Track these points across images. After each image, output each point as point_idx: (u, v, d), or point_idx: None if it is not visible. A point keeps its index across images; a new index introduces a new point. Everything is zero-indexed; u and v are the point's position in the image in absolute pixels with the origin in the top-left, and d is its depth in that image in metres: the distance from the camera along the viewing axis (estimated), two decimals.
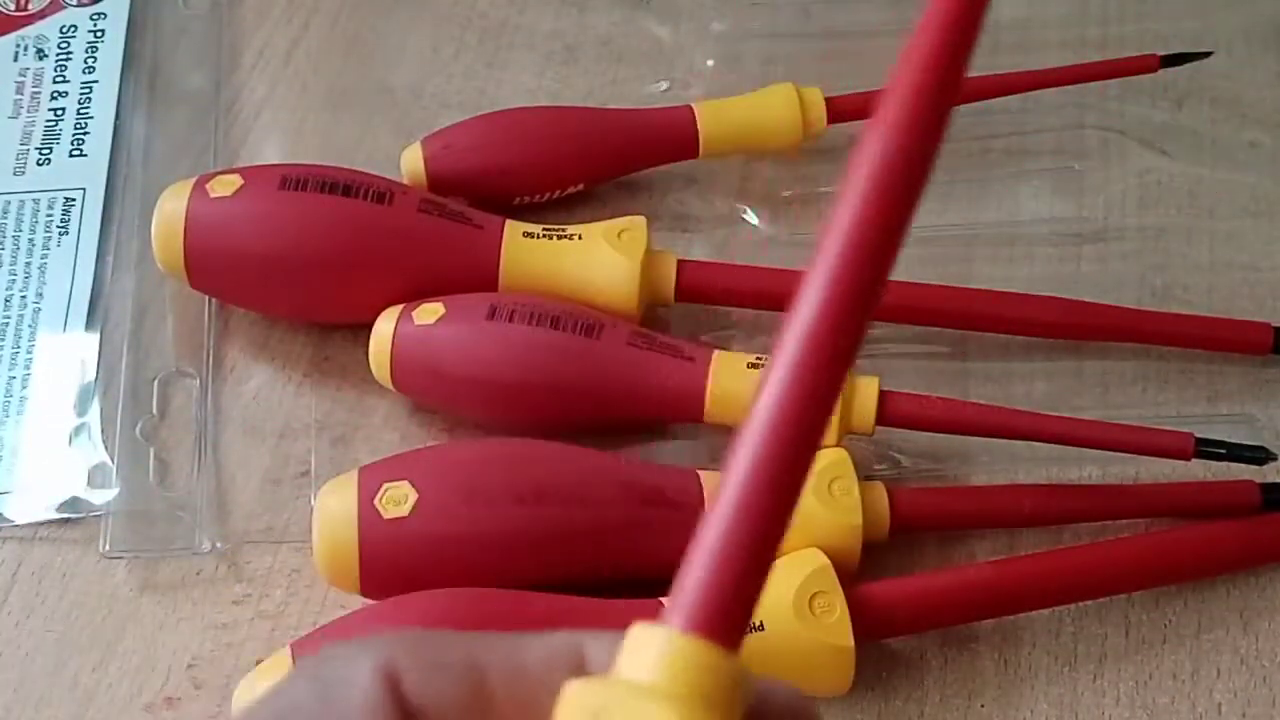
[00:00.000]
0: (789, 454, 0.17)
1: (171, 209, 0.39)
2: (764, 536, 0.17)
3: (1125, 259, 0.45)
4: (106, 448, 0.39)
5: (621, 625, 0.17)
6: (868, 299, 0.17)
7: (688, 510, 0.36)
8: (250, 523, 0.39)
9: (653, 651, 0.17)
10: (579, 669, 0.17)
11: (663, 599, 0.18)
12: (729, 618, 0.17)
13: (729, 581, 0.17)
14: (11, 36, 0.49)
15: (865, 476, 0.38)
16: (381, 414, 0.41)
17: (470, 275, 0.40)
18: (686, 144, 0.45)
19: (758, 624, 0.34)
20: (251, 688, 0.33)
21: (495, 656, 0.17)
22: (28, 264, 0.43)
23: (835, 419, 0.37)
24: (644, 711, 0.16)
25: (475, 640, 0.18)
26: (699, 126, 0.45)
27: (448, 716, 0.17)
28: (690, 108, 0.45)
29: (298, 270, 0.39)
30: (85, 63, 0.49)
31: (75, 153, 0.46)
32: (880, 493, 0.37)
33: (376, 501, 0.34)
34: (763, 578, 0.17)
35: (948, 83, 0.17)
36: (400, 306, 0.39)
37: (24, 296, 0.43)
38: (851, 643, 0.34)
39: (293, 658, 0.33)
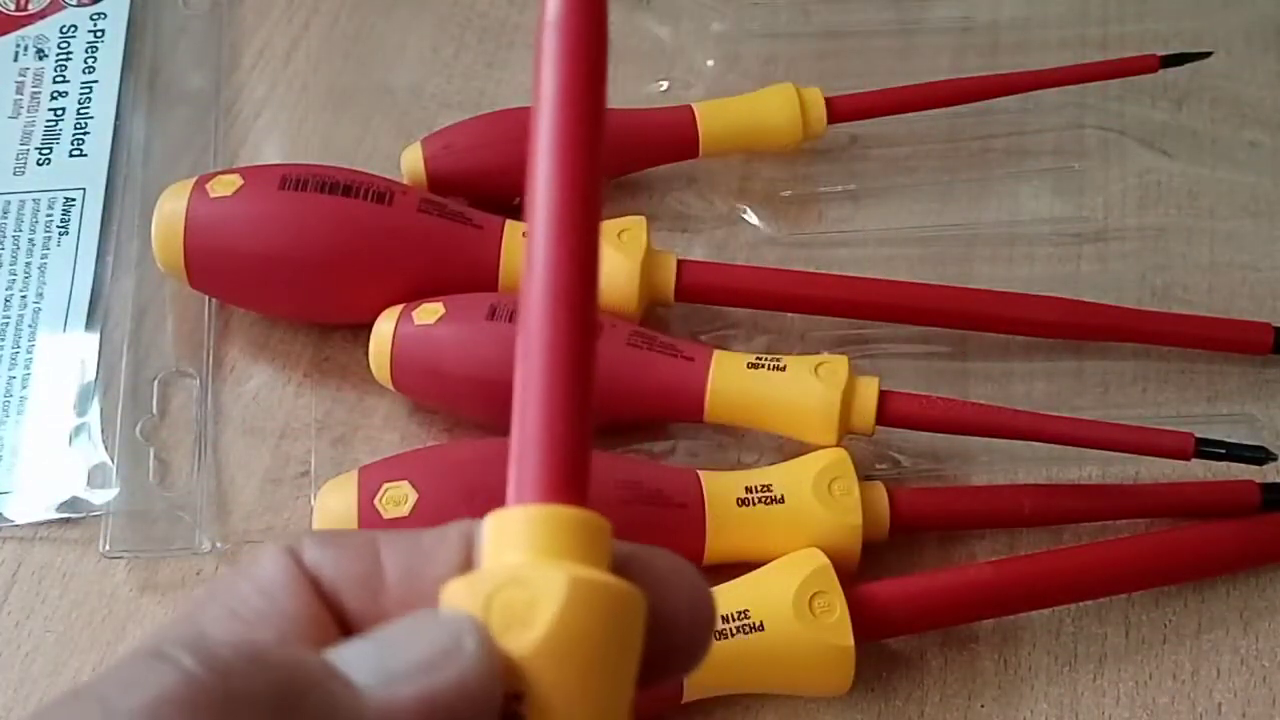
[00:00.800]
0: (569, 303, 0.18)
1: (171, 209, 0.39)
2: (574, 384, 0.18)
3: (1125, 259, 0.45)
4: (106, 448, 0.39)
5: None
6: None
7: (688, 510, 0.36)
8: (250, 523, 0.39)
9: (514, 529, 0.18)
10: (468, 547, 0.19)
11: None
12: (567, 474, 0.18)
13: (556, 441, 0.18)
14: (11, 36, 0.49)
15: (865, 476, 0.38)
16: (381, 414, 0.41)
17: (470, 275, 0.40)
18: (686, 144, 0.45)
19: (758, 623, 0.34)
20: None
21: (390, 536, 0.19)
22: (28, 264, 0.43)
23: (835, 419, 0.37)
24: (532, 581, 0.17)
25: (376, 530, 0.20)
26: (699, 126, 0.45)
27: (341, 580, 0.18)
28: (690, 108, 0.45)
29: (298, 270, 0.39)
30: (85, 63, 0.49)
31: (75, 153, 0.46)
32: (880, 493, 0.37)
33: (376, 501, 0.34)
34: (587, 426, 0.18)
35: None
36: (400, 306, 0.39)
37: (24, 296, 0.43)
38: (851, 643, 0.34)
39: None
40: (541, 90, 0.19)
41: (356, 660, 0.17)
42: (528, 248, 0.18)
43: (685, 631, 0.18)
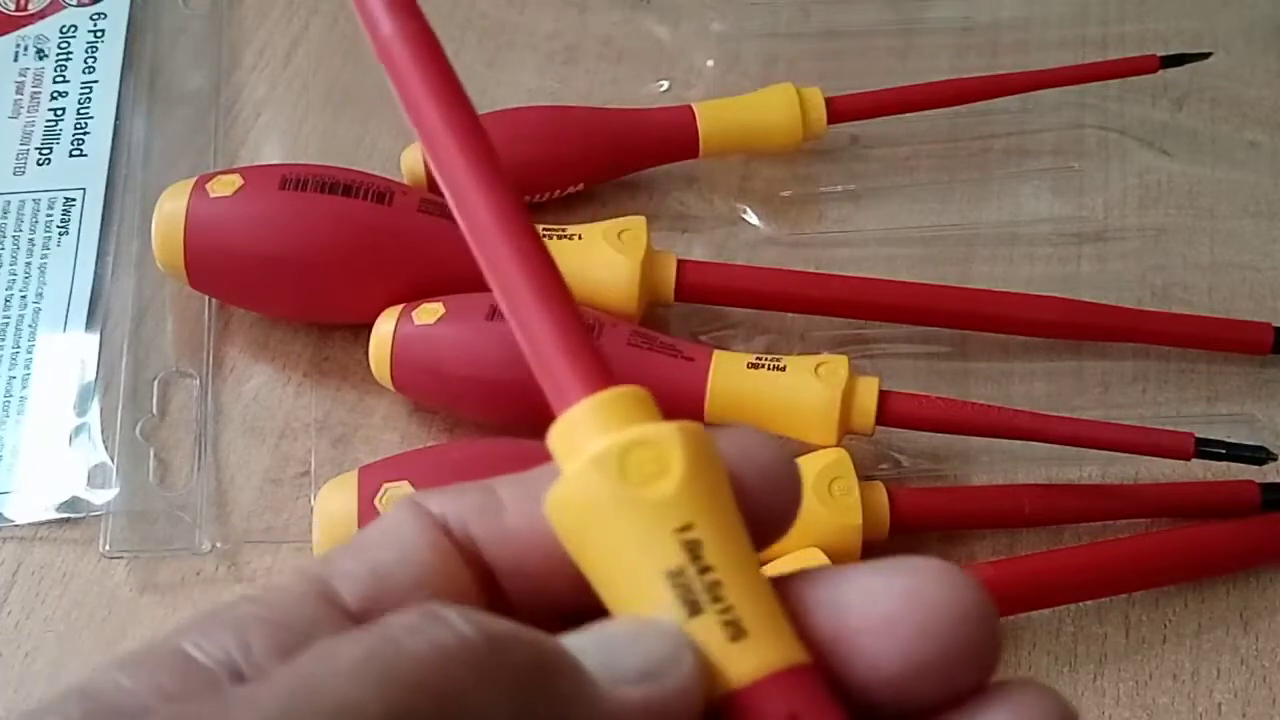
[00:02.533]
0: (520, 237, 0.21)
1: (171, 209, 0.39)
2: (554, 279, 0.21)
3: (1125, 259, 0.45)
4: (106, 448, 0.39)
5: None
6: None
7: None
8: (250, 523, 0.39)
9: (582, 424, 0.19)
10: None
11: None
12: (592, 363, 0.20)
13: (568, 339, 0.20)
14: (11, 36, 0.49)
15: (865, 476, 0.38)
16: (381, 414, 0.41)
17: (470, 275, 0.40)
18: (686, 144, 0.45)
19: None
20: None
21: (500, 478, 0.20)
22: (28, 264, 0.43)
23: (835, 419, 0.37)
24: (648, 437, 0.19)
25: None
26: (699, 126, 0.45)
27: (464, 511, 0.20)
28: (690, 108, 0.45)
29: (298, 270, 0.39)
30: (85, 63, 0.49)
31: (75, 153, 0.46)
32: (880, 493, 0.37)
33: (376, 501, 0.34)
34: (578, 313, 0.21)
35: None
36: (400, 306, 0.39)
37: (24, 296, 0.43)
38: None
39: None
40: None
41: (587, 655, 0.18)
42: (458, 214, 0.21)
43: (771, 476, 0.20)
